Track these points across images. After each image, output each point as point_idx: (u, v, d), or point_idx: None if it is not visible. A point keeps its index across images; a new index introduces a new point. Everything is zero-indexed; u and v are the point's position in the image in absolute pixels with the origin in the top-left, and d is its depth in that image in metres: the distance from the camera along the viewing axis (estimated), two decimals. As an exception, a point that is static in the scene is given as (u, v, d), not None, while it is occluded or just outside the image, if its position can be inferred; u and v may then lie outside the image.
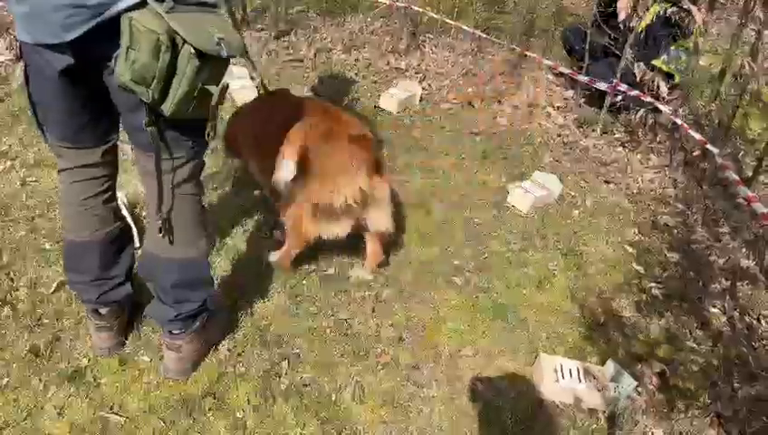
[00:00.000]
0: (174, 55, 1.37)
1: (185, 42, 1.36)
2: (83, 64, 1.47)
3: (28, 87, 1.60)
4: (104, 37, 1.39)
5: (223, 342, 2.06)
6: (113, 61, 1.41)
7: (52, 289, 2.15)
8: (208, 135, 1.56)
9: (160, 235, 1.72)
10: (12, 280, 2.19)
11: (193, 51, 1.37)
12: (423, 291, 2.41)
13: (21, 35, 1.49)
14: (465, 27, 4.32)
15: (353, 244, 2.57)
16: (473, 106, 3.88)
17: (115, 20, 1.36)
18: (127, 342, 2.02)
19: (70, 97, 1.58)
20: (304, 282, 2.35)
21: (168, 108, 1.43)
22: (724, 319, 2.44)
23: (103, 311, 1.91)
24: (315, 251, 2.48)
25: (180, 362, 1.93)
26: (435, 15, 4.41)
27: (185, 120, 1.52)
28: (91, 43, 1.40)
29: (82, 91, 1.56)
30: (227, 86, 1.52)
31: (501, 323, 2.31)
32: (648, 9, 3.30)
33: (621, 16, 3.68)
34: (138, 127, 1.54)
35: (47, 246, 2.34)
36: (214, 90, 1.45)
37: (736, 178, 2.75)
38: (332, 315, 2.23)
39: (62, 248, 2.01)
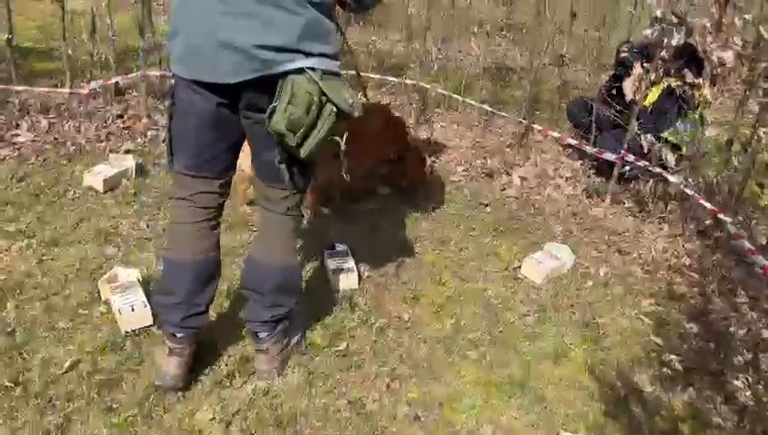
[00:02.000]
0: (319, 112, 1.74)
1: (329, 101, 1.74)
2: (230, 107, 1.84)
3: (171, 118, 1.93)
4: (258, 88, 1.75)
5: (236, 420, 2.02)
6: (268, 110, 1.74)
7: (65, 369, 2.14)
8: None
9: (267, 244, 2.10)
10: (24, 359, 2.18)
11: (335, 109, 1.75)
12: (438, 366, 2.37)
13: (178, 70, 1.82)
14: (471, 102, 4.45)
15: (364, 319, 2.57)
16: (482, 178, 3.93)
17: (273, 77, 1.72)
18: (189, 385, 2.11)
19: (207, 133, 1.90)
20: (317, 358, 2.33)
21: (303, 151, 1.79)
22: (748, 392, 2.37)
23: (180, 334, 2.07)
24: (328, 328, 2.47)
25: (271, 362, 2.18)
26: (443, 91, 4.55)
27: (305, 161, 1.88)
28: (245, 90, 1.77)
29: (219, 129, 1.89)
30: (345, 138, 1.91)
31: (518, 399, 2.26)
32: (652, 85, 3.40)
33: (628, 96, 3.79)
34: (269, 163, 1.90)
35: (61, 325, 2.34)
36: (339, 140, 1.86)
37: (751, 247, 2.75)
38: (345, 393, 2.19)
39: (75, 326, 2.32)
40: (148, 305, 2.34)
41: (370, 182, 3.53)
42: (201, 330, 2.14)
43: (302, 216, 2.19)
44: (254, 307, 2.17)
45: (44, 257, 2.71)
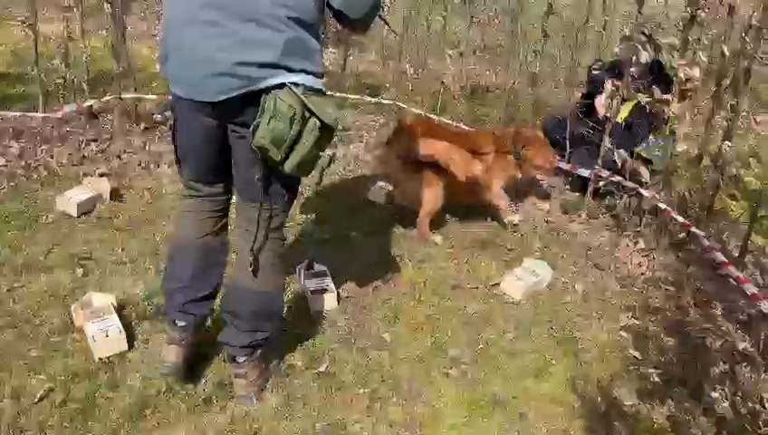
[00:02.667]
0: (302, 126, 1.77)
1: (312, 115, 1.77)
2: (221, 123, 1.89)
3: (175, 133, 2.04)
4: (244, 104, 1.78)
5: (213, 448, 1.98)
6: (252, 126, 1.77)
7: (37, 399, 2.08)
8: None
9: (249, 269, 2.05)
10: (-6, 390, 2.12)
11: (318, 123, 1.78)
12: (419, 385, 2.36)
13: (175, 90, 1.89)
14: (448, 121, 4.49)
15: (344, 339, 2.55)
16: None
17: (256, 94, 1.76)
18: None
19: (204, 148, 1.98)
20: (297, 381, 2.30)
21: (288, 166, 1.81)
22: (726, 404, 2.39)
23: (180, 323, 2.15)
24: (307, 349, 2.45)
25: (249, 386, 2.16)
26: (419, 111, 4.59)
27: (287, 179, 1.93)
28: (232, 107, 1.80)
29: (214, 145, 1.94)
30: (335, 154, 1.91)
31: (500, 416, 2.25)
32: (623, 102, 3.47)
33: (600, 113, 3.87)
34: (250, 181, 1.92)
35: (33, 353, 2.29)
36: (323, 155, 1.84)
37: (724, 259, 2.79)
38: (326, 416, 2.16)
39: (48, 354, 2.30)
40: (123, 331, 2.30)
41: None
42: (202, 320, 2.23)
43: (284, 239, 2.17)
44: (232, 331, 2.13)
45: (16, 284, 2.65)
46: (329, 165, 1.88)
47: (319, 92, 1.83)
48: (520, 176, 3.62)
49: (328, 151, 1.87)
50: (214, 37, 1.74)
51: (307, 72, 1.81)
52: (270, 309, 2.15)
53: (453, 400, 2.31)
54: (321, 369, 2.37)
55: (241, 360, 2.14)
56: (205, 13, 1.74)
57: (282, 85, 1.76)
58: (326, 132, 1.82)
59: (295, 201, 2.19)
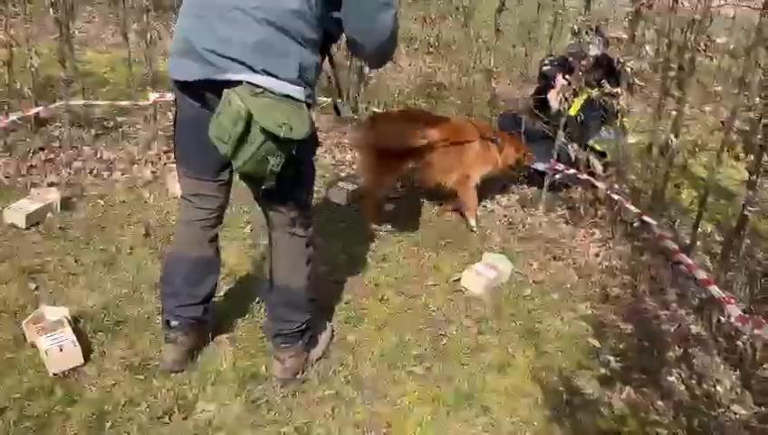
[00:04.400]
0: (248, 127, 1.74)
1: (255, 119, 1.74)
2: (207, 109, 1.89)
3: (175, 124, 2.10)
4: (217, 95, 1.80)
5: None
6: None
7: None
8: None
9: (272, 263, 2.20)
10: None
11: (261, 127, 1.75)
12: (383, 385, 2.36)
13: (168, 68, 1.95)
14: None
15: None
16: (420, 192, 3.97)
17: (222, 84, 1.78)
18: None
19: (193, 134, 2.00)
20: (260, 386, 2.27)
21: (237, 163, 1.82)
22: (682, 387, 2.46)
23: (173, 323, 2.22)
24: (270, 353, 2.43)
25: (285, 372, 2.28)
26: (377, 110, 4.59)
27: (296, 177, 1.99)
28: (209, 93, 1.87)
29: (202, 130, 1.87)
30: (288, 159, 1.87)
31: (465, 412, 2.27)
32: (575, 96, 3.54)
33: (553, 107, 3.95)
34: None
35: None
36: (273, 160, 1.81)
37: (675, 247, 2.87)
38: (291, 420, 2.15)
39: (10, 362, 2.27)
40: (78, 345, 2.24)
41: None
42: (199, 321, 2.28)
43: (304, 236, 2.19)
44: (267, 320, 2.36)
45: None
46: (273, 171, 1.84)
47: (287, 98, 1.82)
48: (498, 167, 3.68)
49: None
50: (201, 23, 1.83)
51: (276, 77, 1.81)
52: (294, 301, 2.23)
53: (418, 397, 2.32)
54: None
55: (282, 345, 2.26)
56: (197, 8, 1.86)
57: (240, 82, 1.78)
58: (278, 139, 1.78)
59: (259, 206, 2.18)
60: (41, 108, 3.98)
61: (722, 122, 2.92)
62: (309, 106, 1.92)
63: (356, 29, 1.91)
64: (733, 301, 2.46)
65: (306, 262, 2.23)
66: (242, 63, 1.79)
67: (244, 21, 1.78)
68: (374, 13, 1.86)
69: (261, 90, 1.78)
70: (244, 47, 1.78)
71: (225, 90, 1.78)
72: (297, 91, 1.85)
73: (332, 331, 2.57)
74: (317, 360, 2.40)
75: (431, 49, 5.78)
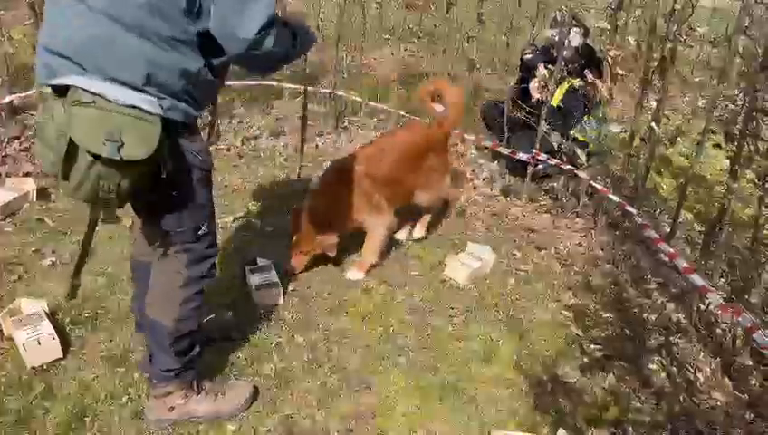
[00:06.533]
0: (73, 144, 1.46)
1: (66, 131, 1.46)
2: None
3: None
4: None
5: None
6: None
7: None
8: None
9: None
10: None
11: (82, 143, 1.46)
12: (369, 376, 2.35)
13: None
14: (387, 108, 4.48)
15: (291, 333, 2.51)
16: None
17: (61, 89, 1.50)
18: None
19: None
20: (245, 378, 2.24)
21: (68, 187, 1.53)
22: (663, 374, 2.49)
23: (141, 321, 2.11)
24: (254, 345, 2.40)
25: (158, 412, 2.01)
26: (358, 99, 4.56)
27: (175, 199, 1.74)
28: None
29: None
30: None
31: (450, 401, 2.27)
32: (557, 86, 3.54)
33: (535, 97, 3.94)
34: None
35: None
36: (108, 185, 1.52)
37: (656, 236, 2.89)
38: (276, 412, 2.13)
39: None
40: (57, 338, 2.19)
41: None
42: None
43: (180, 272, 1.89)
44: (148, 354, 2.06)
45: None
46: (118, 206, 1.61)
47: (134, 109, 1.51)
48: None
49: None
50: (46, 24, 1.59)
51: (115, 80, 1.51)
52: (159, 342, 1.95)
53: (403, 388, 2.31)
54: (270, 365, 2.33)
55: (154, 380, 2.04)
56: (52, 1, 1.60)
57: (67, 88, 1.49)
58: (109, 160, 1.48)
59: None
60: (15, 96, 3.89)
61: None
62: (171, 121, 1.60)
63: (220, 23, 1.57)
64: (713, 290, 2.48)
65: (178, 303, 1.90)
66: (73, 62, 1.50)
67: (83, 14, 1.50)
68: (241, 6, 1.54)
69: (90, 98, 1.47)
70: (73, 43, 1.50)
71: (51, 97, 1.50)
72: (146, 101, 1.53)
73: (253, 394, 2.15)
74: (203, 418, 2.04)
75: (413, 38, 5.75)
